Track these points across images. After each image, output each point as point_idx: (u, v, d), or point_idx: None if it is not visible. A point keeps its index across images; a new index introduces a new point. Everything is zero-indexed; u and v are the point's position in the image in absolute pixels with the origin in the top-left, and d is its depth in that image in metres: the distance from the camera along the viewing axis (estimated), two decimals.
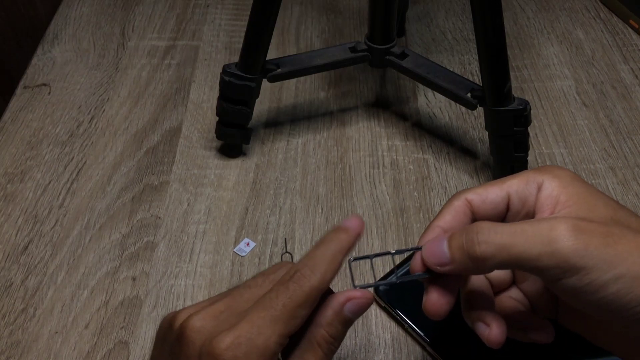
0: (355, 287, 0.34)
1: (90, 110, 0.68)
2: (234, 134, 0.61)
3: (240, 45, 0.56)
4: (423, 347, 0.48)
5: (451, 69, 0.60)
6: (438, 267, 0.32)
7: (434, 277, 0.33)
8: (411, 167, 0.61)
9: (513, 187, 0.33)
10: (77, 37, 0.77)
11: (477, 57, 0.58)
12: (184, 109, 0.68)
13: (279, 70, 0.59)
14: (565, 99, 0.69)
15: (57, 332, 0.49)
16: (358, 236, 0.33)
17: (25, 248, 0.55)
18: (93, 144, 0.64)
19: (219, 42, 0.76)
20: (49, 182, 0.60)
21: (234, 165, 0.62)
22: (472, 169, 0.61)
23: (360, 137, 0.64)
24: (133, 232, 0.56)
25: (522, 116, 0.54)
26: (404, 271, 0.47)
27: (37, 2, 0.86)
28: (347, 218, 0.34)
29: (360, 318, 0.50)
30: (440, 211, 0.34)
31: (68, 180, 0.61)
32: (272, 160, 0.62)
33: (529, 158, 0.58)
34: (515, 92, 0.56)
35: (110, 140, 0.64)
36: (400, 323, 0.49)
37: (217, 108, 0.60)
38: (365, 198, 0.59)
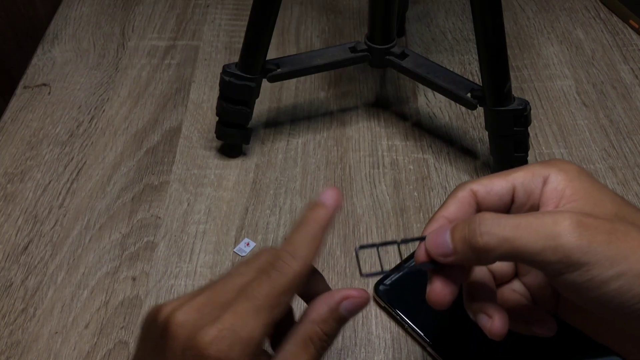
0: (361, 275, 0.34)
1: (90, 110, 0.68)
2: (234, 134, 0.61)
3: (240, 45, 0.56)
4: (423, 347, 0.48)
5: (451, 69, 0.60)
6: (441, 258, 0.32)
7: (438, 267, 0.33)
8: (411, 167, 0.61)
9: (519, 179, 0.33)
10: (77, 37, 0.77)
11: (477, 57, 0.58)
12: (184, 109, 0.68)
13: (279, 70, 0.59)
14: (565, 99, 0.69)
15: (57, 332, 0.49)
16: (337, 209, 0.33)
17: (25, 248, 0.55)
18: (93, 144, 0.64)
19: (219, 42, 0.76)
20: (49, 182, 0.60)
21: (234, 165, 0.62)
22: (472, 169, 0.61)
23: (360, 137, 0.64)
24: (133, 232, 0.56)
25: (522, 116, 0.54)
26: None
27: (37, 2, 0.86)
28: (323, 191, 0.33)
29: (360, 318, 0.50)
30: (445, 201, 0.34)
31: (68, 180, 0.61)
32: (272, 160, 0.62)
33: (529, 158, 0.59)
34: (515, 92, 0.56)
35: (110, 140, 0.64)
36: (400, 323, 0.49)
37: (217, 108, 0.60)
38: (365, 198, 0.59)
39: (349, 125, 0.66)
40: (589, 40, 0.76)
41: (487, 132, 0.57)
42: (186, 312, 0.30)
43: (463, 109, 0.67)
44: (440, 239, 0.32)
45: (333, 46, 0.61)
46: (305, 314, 0.32)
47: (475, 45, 0.61)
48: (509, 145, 0.56)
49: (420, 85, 0.69)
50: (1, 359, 0.48)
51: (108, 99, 0.69)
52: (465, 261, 0.31)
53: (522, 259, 0.29)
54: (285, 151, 0.63)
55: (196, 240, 0.55)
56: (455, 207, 0.33)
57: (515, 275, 0.37)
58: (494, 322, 0.32)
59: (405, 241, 0.35)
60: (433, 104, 0.68)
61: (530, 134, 0.61)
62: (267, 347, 0.34)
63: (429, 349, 0.48)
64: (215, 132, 0.61)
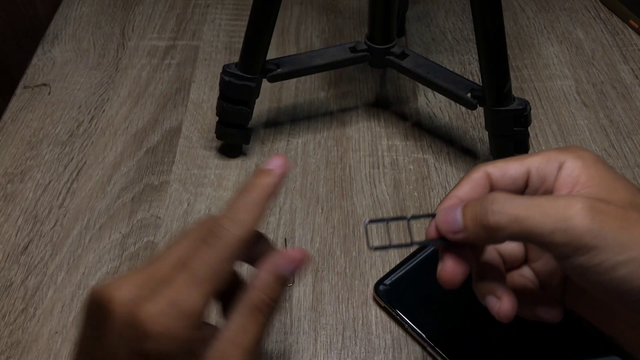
0: (369, 248, 0.34)
1: (90, 110, 0.68)
2: (234, 134, 0.61)
3: (240, 45, 0.56)
4: (423, 348, 0.48)
5: (451, 69, 0.60)
6: (450, 235, 0.32)
7: (448, 245, 0.32)
8: (411, 167, 0.61)
9: (534, 163, 0.33)
10: (77, 37, 0.77)
11: (477, 57, 0.58)
12: (184, 109, 0.68)
13: (279, 70, 0.59)
14: (565, 99, 0.69)
15: (57, 332, 0.49)
16: (282, 177, 0.32)
17: (25, 248, 0.55)
18: (93, 144, 0.64)
19: (219, 42, 0.76)
20: (49, 182, 0.60)
21: (234, 165, 0.62)
22: (472, 168, 0.61)
23: (360, 137, 0.64)
24: (133, 232, 0.56)
25: (522, 116, 0.54)
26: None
27: (37, 2, 0.86)
28: (270, 158, 0.33)
29: (360, 318, 0.50)
30: (459, 182, 0.34)
31: (68, 180, 0.61)
32: None
33: None
34: (515, 92, 0.56)
35: (110, 140, 0.64)
36: (400, 323, 0.49)
37: (217, 108, 0.60)
38: (365, 198, 0.59)
39: (349, 125, 0.66)
40: (589, 40, 0.76)
41: (487, 132, 0.57)
42: (125, 289, 0.29)
43: (463, 109, 0.67)
44: (451, 215, 0.32)
45: (333, 46, 0.61)
46: (250, 281, 0.32)
47: (475, 45, 0.61)
48: (509, 145, 0.56)
49: (420, 85, 0.69)
50: (1, 359, 0.48)
51: (108, 99, 0.69)
52: (475, 239, 0.31)
53: (532, 239, 0.29)
54: (285, 151, 0.63)
55: None
56: (469, 187, 0.33)
57: (525, 261, 0.37)
58: (502, 304, 0.32)
59: (416, 217, 0.35)
60: (433, 104, 0.68)
61: (530, 134, 0.61)
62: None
63: (429, 349, 0.48)
64: (215, 132, 0.61)
